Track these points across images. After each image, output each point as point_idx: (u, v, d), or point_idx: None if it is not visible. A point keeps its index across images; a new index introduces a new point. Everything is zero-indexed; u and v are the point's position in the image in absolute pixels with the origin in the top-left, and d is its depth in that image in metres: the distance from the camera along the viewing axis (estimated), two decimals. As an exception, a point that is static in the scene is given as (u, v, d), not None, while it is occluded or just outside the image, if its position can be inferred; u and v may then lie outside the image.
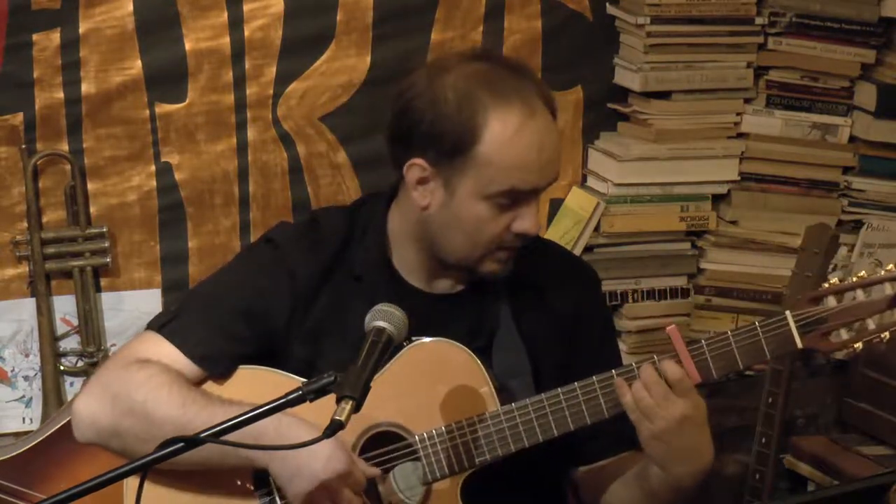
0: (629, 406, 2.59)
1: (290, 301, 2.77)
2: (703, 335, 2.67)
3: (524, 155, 2.65)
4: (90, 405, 2.74)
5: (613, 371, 2.64)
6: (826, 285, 2.63)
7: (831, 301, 2.61)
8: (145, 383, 2.69)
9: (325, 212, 3.04)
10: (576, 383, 2.65)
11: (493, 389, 2.68)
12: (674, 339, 2.62)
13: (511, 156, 2.64)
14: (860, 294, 2.60)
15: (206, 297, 2.83)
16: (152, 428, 2.65)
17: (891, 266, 2.62)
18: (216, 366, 2.76)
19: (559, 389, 2.65)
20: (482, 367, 2.69)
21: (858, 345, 2.61)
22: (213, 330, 2.75)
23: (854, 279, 2.62)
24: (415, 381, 2.65)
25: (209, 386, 2.76)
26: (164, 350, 2.75)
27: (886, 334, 2.60)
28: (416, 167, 2.70)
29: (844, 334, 2.61)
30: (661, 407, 2.57)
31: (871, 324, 2.60)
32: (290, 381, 2.70)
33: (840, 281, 2.63)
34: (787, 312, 2.61)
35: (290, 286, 2.77)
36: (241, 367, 2.77)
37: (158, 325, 2.79)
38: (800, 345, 2.61)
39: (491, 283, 2.80)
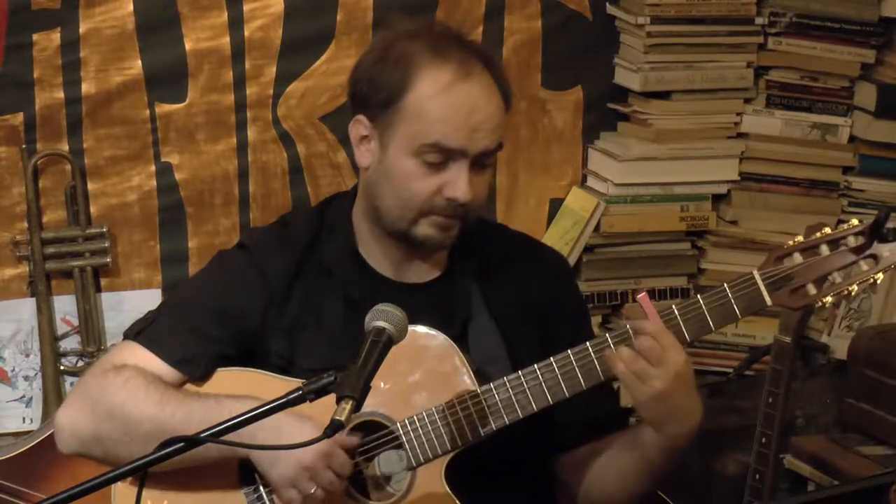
0: (622, 373, 2.60)
1: (263, 299, 2.78)
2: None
3: (451, 111, 2.65)
4: (70, 414, 2.75)
5: (588, 343, 2.66)
6: (791, 243, 2.65)
7: (797, 258, 2.63)
8: (122, 386, 2.71)
9: (293, 213, 3.08)
10: (552, 358, 2.66)
11: (471, 372, 2.69)
12: (645, 306, 2.63)
13: (437, 109, 2.65)
14: (825, 249, 2.62)
15: (181, 302, 2.84)
16: (131, 428, 2.67)
17: (854, 220, 2.63)
18: (194, 368, 2.76)
19: (535, 365, 2.66)
20: (458, 351, 2.70)
21: (828, 299, 2.63)
22: (189, 333, 2.76)
23: (819, 235, 2.63)
24: (393, 369, 2.65)
25: (189, 388, 2.77)
26: (142, 356, 2.76)
27: (854, 287, 2.62)
28: (358, 124, 2.75)
29: (812, 289, 2.62)
30: (657, 365, 2.58)
31: (837, 277, 2.62)
32: (270, 380, 2.72)
33: (805, 239, 2.65)
34: (755, 271, 2.64)
35: (263, 285, 2.79)
36: (219, 368, 2.78)
37: (134, 333, 2.80)
38: (769, 302, 2.63)
39: (462, 271, 2.81)
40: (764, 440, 3.47)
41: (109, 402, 2.71)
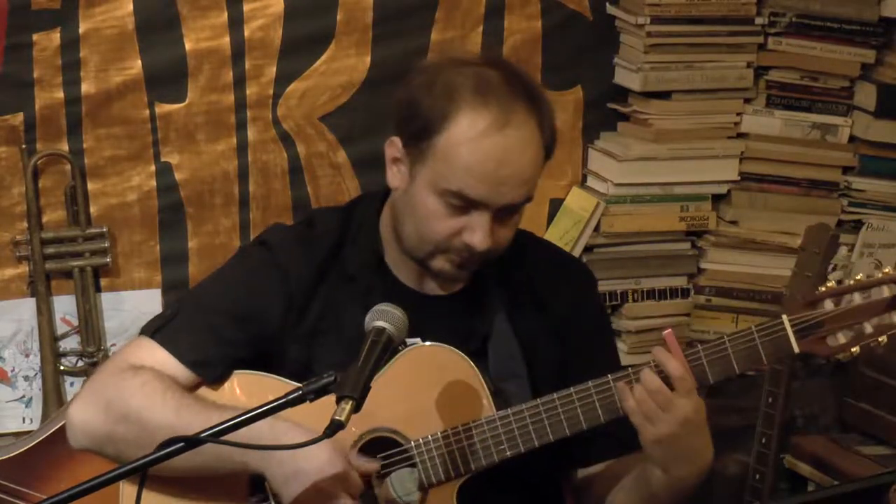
0: (631, 410, 2.58)
1: (283, 303, 2.76)
2: (703, 335, 2.66)
3: (479, 162, 2.60)
4: (84, 412, 2.73)
5: (609, 376, 2.63)
6: (823, 288, 2.61)
7: (828, 304, 2.59)
8: (139, 390, 2.68)
9: (319, 212, 3.03)
10: (571, 388, 2.64)
11: (489, 394, 2.67)
12: (670, 344, 2.60)
13: (466, 158, 2.60)
14: (857, 297, 2.58)
15: (200, 302, 2.81)
16: (146, 434, 2.63)
17: (888, 269, 2.60)
18: (210, 371, 2.74)
19: (555, 394, 2.64)
20: (478, 371, 2.68)
21: (856, 349, 2.59)
22: (207, 334, 2.74)
23: (851, 282, 2.60)
24: (411, 385, 2.64)
25: (204, 391, 2.75)
26: (158, 356, 2.74)
27: (884, 338, 2.58)
28: (392, 146, 2.71)
29: (842, 338, 2.59)
30: (665, 410, 2.56)
31: (868, 327, 2.58)
32: (285, 386, 2.66)
33: (838, 283, 2.62)
34: (784, 317, 2.60)
35: (284, 288, 2.76)
36: (236, 371, 2.75)
37: (152, 331, 2.77)
38: (797, 350, 2.59)
39: (486, 284, 2.79)
40: (764, 440, 3.47)
41: (125, 405, 2.69)
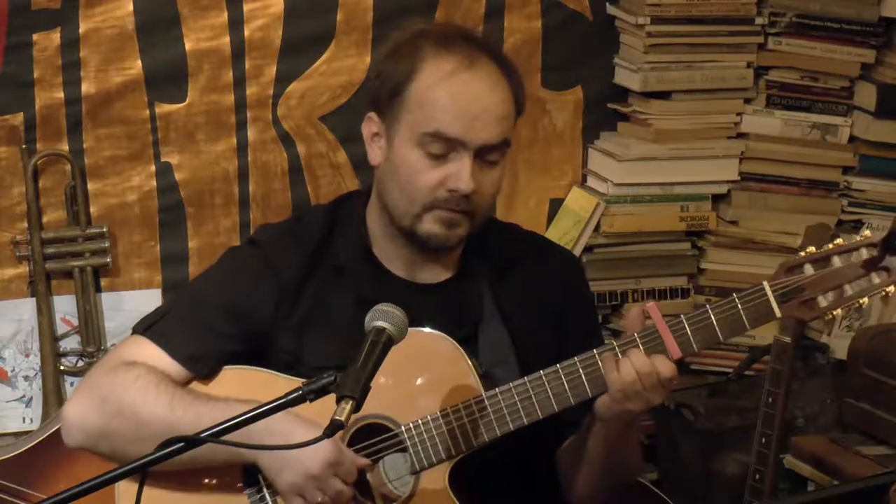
0: (613, 382, 2.61)
1: (274, 298, 2.78)
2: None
3: (451, 98, 2.67)
4: (79, 409, 2.75)
5: (595, 350, 2.66)
6: (803, 254, 2.64)
7: (808, 269, 2.62)
8: (132, 384, 2.71)
9: (308, 209, 3.08)
10: (558, 365, 2.67)
11: (478, 377, 2.70)
12: (654, 316, 2.64)
13: (438, 98, 2.67)
14: (837, 260, 2.61)
15: (191, 298, 2.85)
16: (141, 428, 2.67)
17: (867, 232, 2.63)
18: (202, 366, 2.77)
19: (541, 372, 2.67)
20: (465, 355, 2.70)
21: (838, 311, 2.62)
22: (198, 330, 2.77)
23: (831, 246, 2.62)
24: (400, 371, 2.65)
25: (196, 386, 2.77)
26: (150, 352, 2.76)
27: (865, 299, 2.61)
28: (369, 121, 2.77)
29: (823, 302, 2.62)
30: (647, 392, 2.61)
31: (848, 289, 2.61)
32: (276, 379, 2.72)
33: (817, 249, 2.64)
34: (765, 283, 2.63)
35: (274, 283, 2.79)
36: (226, 367, 2.77)
37: (144, 328, 2.81)
38: (778, 314, 2.63)
39: (474, 272, 2.82)
40: (764, 440, 3.47)
41: (119, 400, 2.71)
